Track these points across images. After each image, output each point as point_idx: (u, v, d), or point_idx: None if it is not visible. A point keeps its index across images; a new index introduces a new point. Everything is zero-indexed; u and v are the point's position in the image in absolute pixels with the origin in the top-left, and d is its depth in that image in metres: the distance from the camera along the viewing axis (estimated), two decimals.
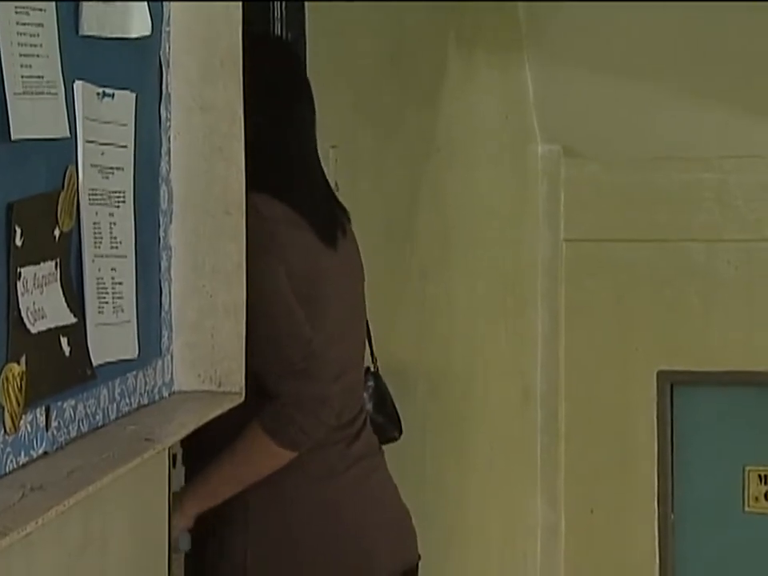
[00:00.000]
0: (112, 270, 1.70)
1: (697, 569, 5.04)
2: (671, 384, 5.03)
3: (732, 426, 5.02)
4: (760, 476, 4.99)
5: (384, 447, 2.64)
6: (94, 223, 1.66)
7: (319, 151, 2.55)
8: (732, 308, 4.99)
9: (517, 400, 4.70)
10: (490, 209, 4.62)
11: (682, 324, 5.01)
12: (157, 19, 1.83)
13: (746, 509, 5.00)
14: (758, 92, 4.80)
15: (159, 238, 1.91)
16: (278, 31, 2.85)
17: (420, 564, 2.65)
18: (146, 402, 1.79)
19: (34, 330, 1.47)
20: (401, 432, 2.75)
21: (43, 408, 1.52)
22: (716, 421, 5.05)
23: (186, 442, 1.98)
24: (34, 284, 1.48)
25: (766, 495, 4.99)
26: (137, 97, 1.78)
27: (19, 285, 1.45)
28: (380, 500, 2.53)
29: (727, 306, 4.99)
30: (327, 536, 2.37)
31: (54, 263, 1.53)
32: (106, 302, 1.67)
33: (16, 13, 1.45)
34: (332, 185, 2.70)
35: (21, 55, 1.45)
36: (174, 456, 2.05)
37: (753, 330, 4.95)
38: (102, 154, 1.68)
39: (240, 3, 1.93)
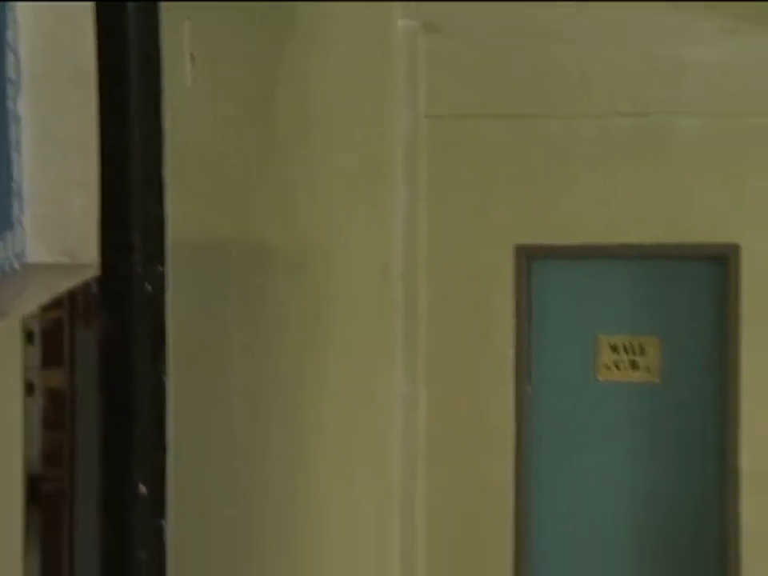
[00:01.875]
0: None
1: (552, 436, 5.20)
2: (528, 258, 5.13)
3: (586, 298, 5.16)
4: (611, 345, 5.14)
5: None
6: None
7: (174, 22, 2.50)
8: (588, 183, 5.08)
9: (377, 276, 4.74)
10: (349, 86, 4.60)
11: (540, 199, 5.10)
12: None
13: (598, 377, 5.16)
14: None
15: (7, 109, 1.86)
16: None
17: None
18: None
19: None
20: None
21: None
22: (571, 293, 5.17)
23: None
24: None
25: (616, 364, 5.15)
26: None
27: None
28: None
29: (583, 181, 5.09)
30: None
31: None
32: None
33: None
34: (187, 57, 2.65)
35: None
36: (31, 333, 2.02)
37: (607, 205, 5.06)
38: None
39: None
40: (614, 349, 5.13)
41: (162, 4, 2.82)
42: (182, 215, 2.81)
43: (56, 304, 1.92)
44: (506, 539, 5.09)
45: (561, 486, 5.19)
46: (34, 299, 1.70)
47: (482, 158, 5.14)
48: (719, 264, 5.04)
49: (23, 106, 1.90)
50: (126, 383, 2.27)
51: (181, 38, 2.97)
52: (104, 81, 2.07)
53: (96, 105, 1.94)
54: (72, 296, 2.00)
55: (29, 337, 1.98)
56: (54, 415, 2.25)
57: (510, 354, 5.10)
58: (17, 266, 1.82)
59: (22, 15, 1.91)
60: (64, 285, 1.76)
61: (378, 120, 4.92)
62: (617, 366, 5.13)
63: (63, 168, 1.89)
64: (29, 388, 2.04)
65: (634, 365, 5.12)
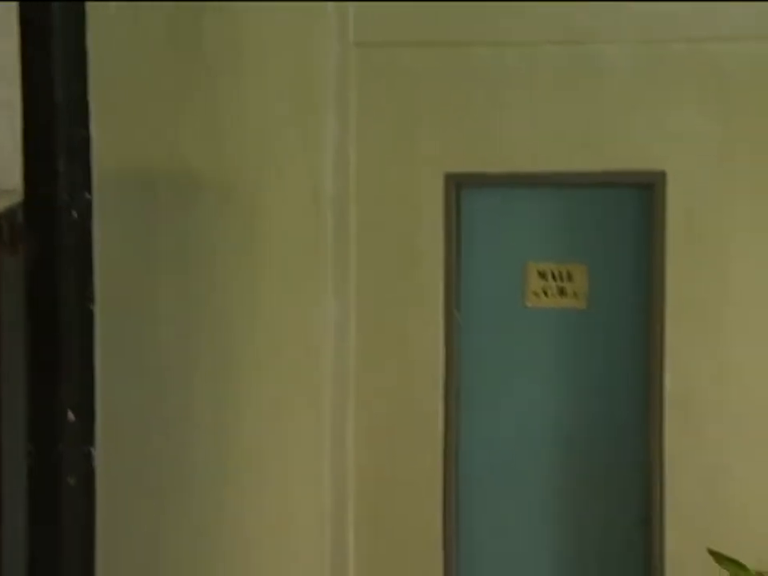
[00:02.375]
0: None
1: (480, 362, 5.25)
2: (458, 186, 5.15)
3: (515, 225, 5.19)
4: (539, 272, 5.18)
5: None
6: None
7: None
8: (517, 112, 5.09)
9: (308, 203, 4.74)
10: (278, 15, 4.56)
11: (470, 127, 5.10)
12: None
13: (527, 304, 5.20)
14: None
15: None
16: None
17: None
18: None
19: None
20: None
21: None
22: (500, 220, 5.20)
23: None
24: None
25: (544, 290, 5.19)
26: None
27: None
28: None
29: (512, 109, 5.09)
30: None
31: None
32: None
33: None
34: None
35: None
36: None
37: (536, 133, 5.07)
38: None
39: None
40: (542, 275, 5.18)
41: None
42: (108, 141, 2.78)
43: None
44: (435, 463, 5.15)
45: (489, 410, 5.25)
46: None
47: (411, 86, 5.13)
48: (646, 191, 5.09)
49: None
50: (53, 311, 2.26)
51: None
52: (26, 2, 2.04)
53: (17, 26, 1.91)
54: None
55: None
56: None
57: (440, 280, 5.12)
58: None
59: None
60: None
61: (307, 48, 4.88)
62: (545, 293, 5.18)
63: None
64: None
65: (562, 291, 5.17)
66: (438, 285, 5.12)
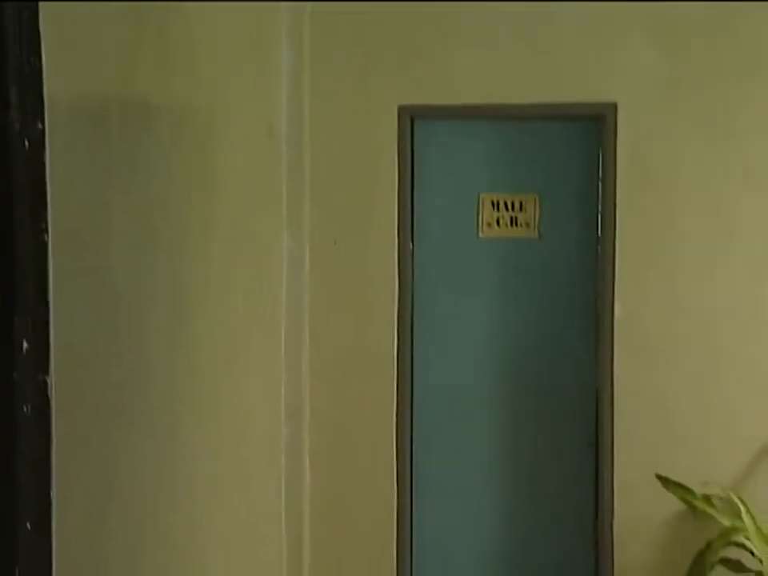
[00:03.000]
0: None
1: (434, 291, 5.29)
2: (411, 118, 5.15)
3: (468, 157, 5.21)
4: (493, 202, 5.22)
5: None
6: None
7: None
8: (469, 45, 5.09)
9: (261, 137, 4.73)
10: None
11: (422, 60, 5.10)
12: None
13: (480, 234, 5.24)
14: None
15: None
16: None
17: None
18: None
19: None
20: None
21: None
22: (453, 152, 5.22)
23: None
24: None
25: (497, 221, 5.23)
26: None
27: None
28: None
29: (465, 42, 5.10)
30: None
31: None
32: None
33: None
34: None
35: None
36: None
37: (488, 66, 5.08)
38: None
39: None
40: (494, 206, 5.21)
41: None
42: (59, 70, 2.77)
43: None
44: (389, 395, 5.20)
45: (443, 341, 5.29)
46: None
47: (365, 18, 5.12)
48: (597, 123, 5.12)
49: None
50: (7, 242, 2.26)
51: None
52: None
53: None
54: None
55: None
56: None
57: (394, 213, 5.14)
58: None
59: None
60: None
61: None
62: (497, 223, 5.22)
63: None
64: None
65: (513, 221, 5.21)
66: (392, 217, 5.14)
